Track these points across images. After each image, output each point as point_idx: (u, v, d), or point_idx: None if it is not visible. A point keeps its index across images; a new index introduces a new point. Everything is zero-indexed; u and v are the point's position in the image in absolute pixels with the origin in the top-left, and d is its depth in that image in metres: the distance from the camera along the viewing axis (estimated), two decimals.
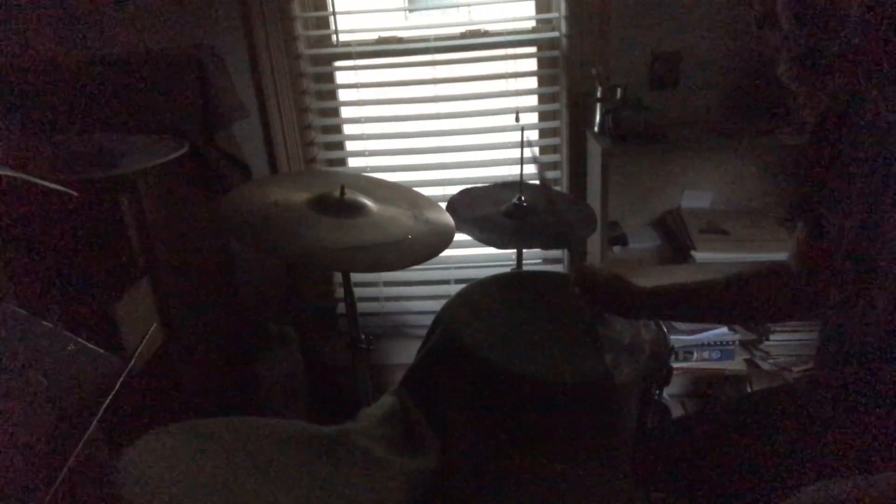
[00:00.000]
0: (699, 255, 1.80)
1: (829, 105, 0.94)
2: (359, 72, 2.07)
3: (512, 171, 2.06)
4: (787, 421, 1.02)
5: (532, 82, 2.05)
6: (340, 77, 2.10)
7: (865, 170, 0.86)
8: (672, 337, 1.59)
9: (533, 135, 2.10)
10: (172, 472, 0.84)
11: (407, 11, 2.16)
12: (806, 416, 0.99)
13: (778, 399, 1.13)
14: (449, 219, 1.56)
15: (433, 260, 1.43)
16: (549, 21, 1.97)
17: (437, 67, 2.02)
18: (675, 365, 1.61)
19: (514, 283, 1.35)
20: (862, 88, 0.86)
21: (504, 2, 1.96)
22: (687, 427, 1.22)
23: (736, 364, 1.88)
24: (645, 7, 1.84)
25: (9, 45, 1.87)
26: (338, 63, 2.06)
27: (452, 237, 1.49)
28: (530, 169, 2.13)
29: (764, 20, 0.83)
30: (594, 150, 1.85)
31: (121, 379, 0.82)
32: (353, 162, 2.17)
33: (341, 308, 2.27)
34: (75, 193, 1.07)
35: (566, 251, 2.20)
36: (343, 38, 2.02)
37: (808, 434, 0.96)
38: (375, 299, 2.27)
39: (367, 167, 2.14)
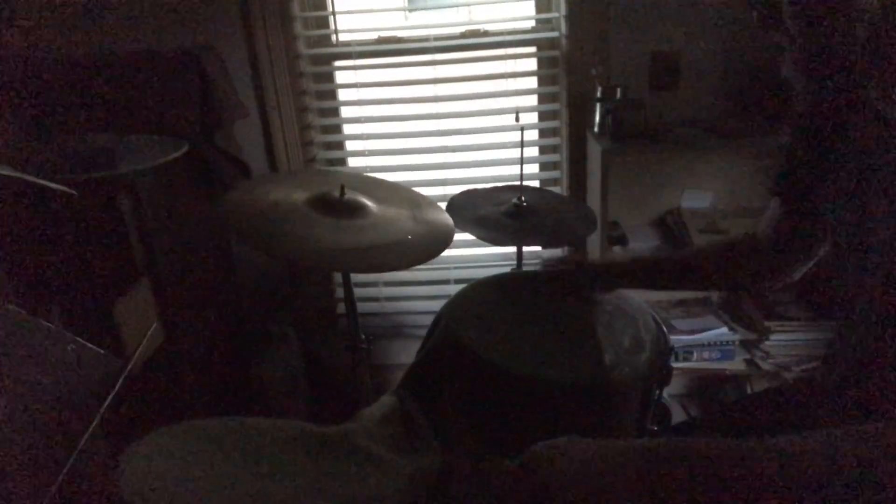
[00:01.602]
0: None
1: (829, 100, 0.94)
2: (359, 72, 2.07)
3: (512, 171, 2.06)
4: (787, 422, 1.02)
5: (532, 82, 2.05)
6: (340, 77, 2.10)
7: (862, 165, 0.86)
8: (672, 337, 1.59)
9: (533, 135, 2.10)
10: (172, 472, 0.83)
11: (407, 11, 2.16)
12: (807, 417, 0.99)
13: (777, 400, 1.13)
14: (449, 219, 1.56)
15: (433, 260, 1.43)
16: (548, 21, 1.97)
17: (437, 67, 2.02)
18: (675, 365, 1.61)
19: (514, 282, 1.34)
20: (867, 85, 0.86)
21: (504, 2, 1.96)
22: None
23: (736, 364, 1.88)
24: (645, 7, 1.84)
25: (9, 44, 1.87)
26: (338, 63, 2.06)
27: (452, 237, 1.49)
28: (530, 169, 2.13)
29: (767, 19, 0.82)
30: (594, 150, 1.85)
31: (121, 379, 0.82)
32: (352, 162, 2.17)
33: (341, 308, 2.27)
34: (75, 193, 1.07)
35: (566, 251, 2.20)
36: (343, 37, 2.02)
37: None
38: (375, 299, 2.27)
39: (366, 167, 2.14)
